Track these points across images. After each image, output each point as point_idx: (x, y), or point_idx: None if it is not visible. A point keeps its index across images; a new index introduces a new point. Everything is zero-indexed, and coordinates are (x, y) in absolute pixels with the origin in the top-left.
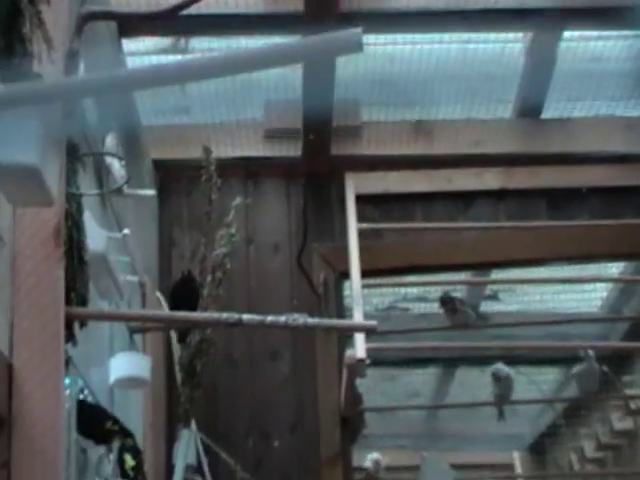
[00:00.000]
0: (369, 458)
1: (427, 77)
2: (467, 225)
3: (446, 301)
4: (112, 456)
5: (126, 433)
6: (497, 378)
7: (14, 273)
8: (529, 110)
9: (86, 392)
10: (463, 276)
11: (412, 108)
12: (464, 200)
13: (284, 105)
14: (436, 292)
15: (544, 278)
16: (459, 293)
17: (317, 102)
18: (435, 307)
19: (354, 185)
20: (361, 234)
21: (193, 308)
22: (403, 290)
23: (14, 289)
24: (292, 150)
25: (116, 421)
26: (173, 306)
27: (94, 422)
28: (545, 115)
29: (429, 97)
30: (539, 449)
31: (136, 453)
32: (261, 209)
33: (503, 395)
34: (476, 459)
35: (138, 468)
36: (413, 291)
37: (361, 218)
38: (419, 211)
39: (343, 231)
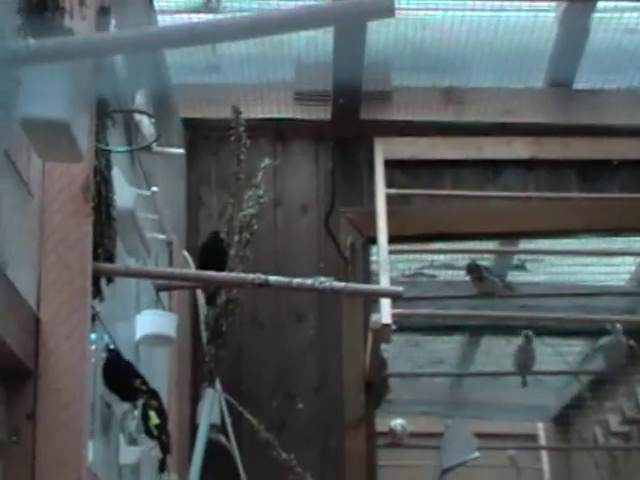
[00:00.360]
0: (394, 422)
1: (459, 44)
2: (496, 194)
3: (473, 269)
4: (136, 412)
5: (152, 394)
6: (528, 340)
7: (42, 227)
8: (561, 80)
9: (112, 347)
10: (491, 245)
11: (443, 75)
12: (493, 168)
13: (315, 68)
14: (463, 260)
15: (572, 250)
16: (486, 262)
17: (348, 66)
18: (462, 275)
19: (383, 150)
20: (389, 199)
21: (221, 268)
22: (430, 257)
23: (42, 243)
24: (322, 113)
25: (144, 381)
26: (201, 265)
27: (122, 378)
28: (577, 86)
29: (460, 64)
30: (563, 421)
31: (161, 408)
32: (289, 171)
33: (525, 365)
34: (500, 428)
35: (162, 427)
36: (440, 258)
37: (389, 183)
38: (448, 178)
39: (371, 196)
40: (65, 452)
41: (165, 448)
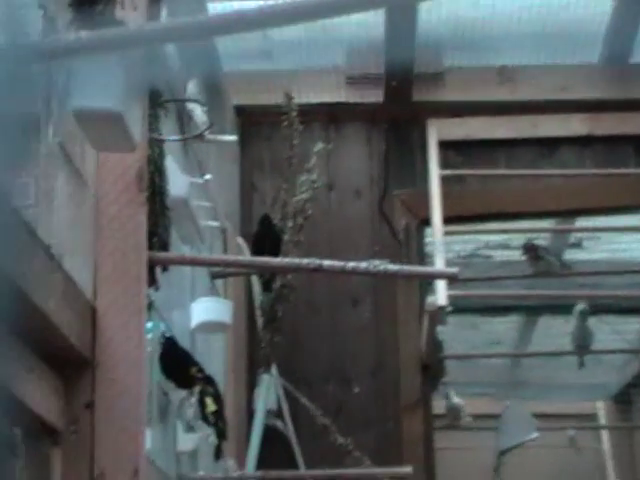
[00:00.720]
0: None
1: (511, 21)
2: (552, 172)
3: (529, 249)
4: (193, 400)
5: (208, 381)
6: (583, 316)
7: (97, 217)
8: (617, 55)
9: (168, 336)
10: (547, 223)
11: (496, 53)
12: (549, 146)
13: (366, 50)
14: (519, 239)
15: (629, 226)
16: (543, 241)
17: (399, 47)
18: (518, 255)
19: (436, 131)
20: (443, 180)
21: (275, 254)
22: (485, 237)
23: (97, 233)
24: (374, 95)
25: (201, 369)
26: (255, 252)
27: (179, 366)
28: (634, 60)
29: (513, 42)
30: (624, 399)
31: (218, 395)
32: (342, 155)
33: (583, 344)
34: (558, 409)
35: (218, 413)
36: (496, 238)
37: (443, 164)
38: (502, 157)
39: (425, 177)
40: (123, 440)
41: (221, 435)
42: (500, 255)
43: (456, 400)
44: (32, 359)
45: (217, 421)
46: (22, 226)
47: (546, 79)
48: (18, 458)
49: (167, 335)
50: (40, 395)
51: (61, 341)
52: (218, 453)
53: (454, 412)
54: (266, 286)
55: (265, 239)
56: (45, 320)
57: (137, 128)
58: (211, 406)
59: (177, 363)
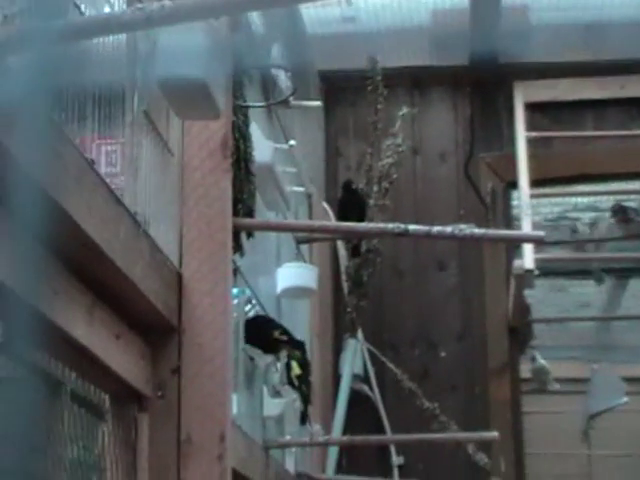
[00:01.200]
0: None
1: None
2: None
3: (618, 210)
4: (279, 365)
5: (295, 344)
6: None
7: (182, 185)
8: None
9: (254, 302)
10: (637, 185)
11: (582, 13)
12: (638, 107)
13: (451, 13)
14: (608, 201)
15: None
16: (632, 202)
17: (484, 9)
18: (607, 217)
19: (523, 93)
20: (530, 143)
21: (360, 219)
22: (573, 200)
23: (182, 201)
24: (459, 59)
25: (284, 331)
26: (340, 217)
27: (261, 331)
28: None
29: (600, 0)
30: None
31: (304, 359)
32: (427, 118)
33: None
34: None
35: (303, 377)
36: (583, 201)
37: (530, 126)
38: (590, 118)
39: (511, 140)
40: (209, 405)
41: (306, 399)
42: (589, 217)
43: (542, 362)
44: (119, 326)
45: (301, 385)
46: (109, 194)
47: (635, 39)
48: (106, 423)
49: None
50: (127, 361)
51: (148, 307)
52: (304, 418)
53: (540, 375)
54: (354, 251)
55: (349, 205)
56: (131, 287)
57: (221, 95)
58: (296, 369)
59: (257, 329)
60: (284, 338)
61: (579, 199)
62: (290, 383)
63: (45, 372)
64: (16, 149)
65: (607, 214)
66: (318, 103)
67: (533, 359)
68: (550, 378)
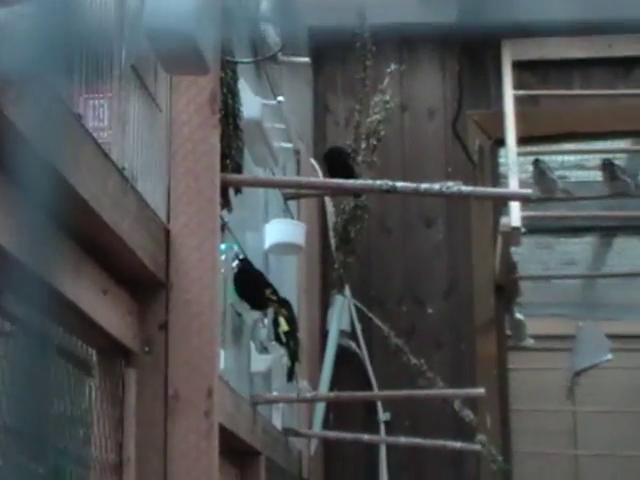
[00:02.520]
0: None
1: None
2: (628, 92)
3: (607, 166)
4: (267, 321)
5: (282, 303)
6: None
7: (170, 140)
8: None
9: (241, 257)
10: (623, 144)
11: None
12: (624, 66)
13: None
14: (594, 160)
15: None
16: (619, 161)
17: None
18: (593, 175)
19: (510, 51)
20: (517, 101)
21: (348, 176)
22: (560, 158)
23: (170, 156)
24: (447, 16)
25: (275, 291)
26: (328, 174)
27: (254, 287)
28: None
29: None
30: None
31: (292, 316)
32: (416, 76)
33: None
34: (634, 329)
35: (291, 333)
36: (570, 159)
37: (517, 85)
38: (577, 77)
39: (499, 98)
40: (197, 361)
41: (293, 356)
42: (575, 175)
43: (519, 317)
44: (106, 281)
45: (289, 342)
46: (96, 148)
47: None
48: (93, 378)
49: (241, 257)
50: (114, 317)
51: (135, 263)
52: (291, 374)
53: (517, 329)
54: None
55: (336, 163)
56: (119, 242)
57: (210, 51)
58: (283, 326)
59: (252, 284)
60: (274, 298)
61: (566, 157)
62: (278, 339)
63: (32, 327)
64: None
65: (594, 172)
66: (306, 59)
67: (511, 313)
68: (526, 333)
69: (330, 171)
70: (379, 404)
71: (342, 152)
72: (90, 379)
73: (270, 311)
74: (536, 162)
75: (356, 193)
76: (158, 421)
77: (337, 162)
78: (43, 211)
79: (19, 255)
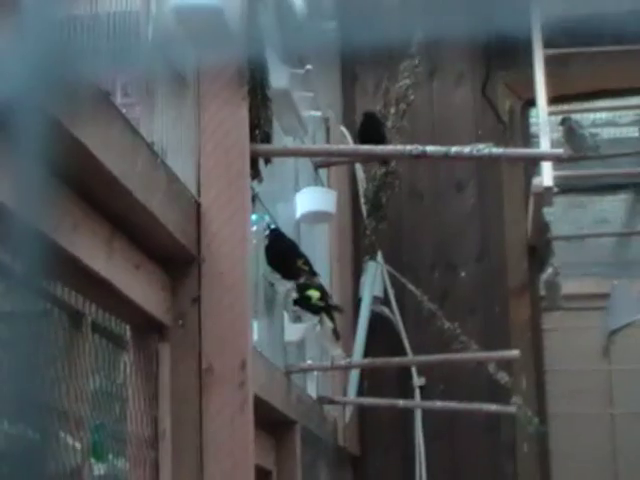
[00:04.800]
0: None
1: None
2: None
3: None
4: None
5: (313, 273)
6: None
7: (199, 114)
8: None
9: (273, 227)
10: None
11: None
12: None
13: None
14: (627, 116)
15: None
16: None
17: None
18: (625, 132)
19: (540, 10)
20: (547, 60)
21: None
22: (592, 115)
23: (199, 130)
24: None
25: (307, 261)
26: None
27: (285, 257)
28: None
29: None
30: None
31: (321, 290)
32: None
33: None
34: None
35: (324, 299)
36: (602, 116)
37: (547, 44)
38: (608, 34)
39: (529, 58)
40: (230, 333)
41: (333, 315)
42: (607, 133)
43: (553, 277)
44: (139, 257)
45: (327, 305)
46: (125, 125)
47: None
48: (128, 354)
49: (272, 227)
50: (147, 292)
51: (167, 238)
52: (337, 335)
53: (551, 291)
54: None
55: (370, 135)
56: (150, 218)
57: (236, 22)
58: (315, 295)
59: (283, 255)
60: (305, 268)
61: (597, 115)
62: (314, 311)
63: (66, 304)
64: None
65: (627, 129)
66: (334, 25)
67: (545, 274)
68: (560, 294)
69: (362, 136)
70: (413, 369)
71: (376, 118)
72: (124, 354)
73: (300, 282)
74: (565, 120)
75: (383, 160)
76: (192, 395)
77: (370, 128)
78: (73, 190)
79: (50, 233)
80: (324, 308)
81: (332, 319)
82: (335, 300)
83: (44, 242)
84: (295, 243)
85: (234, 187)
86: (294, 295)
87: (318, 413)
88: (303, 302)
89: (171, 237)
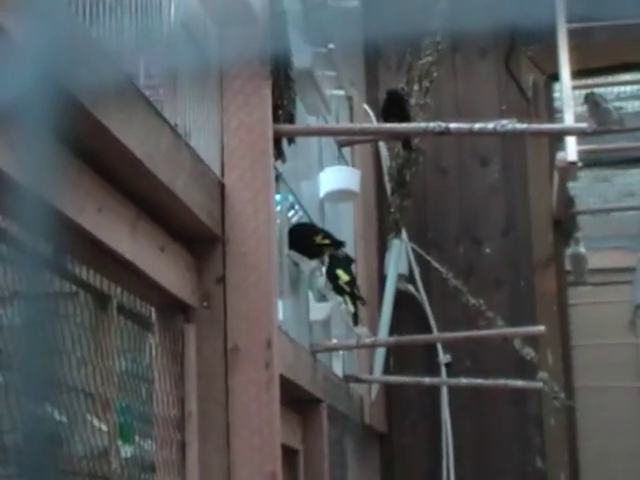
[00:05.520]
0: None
1: None
2: None
3: None
4: (324, 269)
5: (337, 244)
6: None
7: (222, 94)
8: None
9: (297, 207)
10: None
11: None
12: None
13: None
14: None
15: None
16: None
17: None
18: None
19: None
20: (571, 34)
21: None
22: (616, 89)
23: (223, 110)
24: None
25: (326, 235)
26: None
27: (304, 239)
28: None
29: None
30: None
31: (348, 263)
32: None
33: None
34: None
35: (352, 281)
36: (627, 90)
37: (570, 17)
38: (631, 6)
39: (552, 32)
40: (255, 313)
41: (360, 301)
42: (632, 106)
43: (579, 251)
44: (163, 238)
45: (352, 289)
46: (148, 107)
47: None
48: (154, 335)
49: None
50: (172, 273)
51: (191, 218)
52: (356, 319)
53: (577, 264)
54: (405, 145)
55: (393, 112)
56: (174, 199)
57: (259, 1)
58: (344, 277)
59: (300, 235)
60: (326, 242)
61: (622, 88)
62: (339, 291)
63: (92, 287)
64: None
65: None
66: (356, 3)
67: (570, 247)
68: (587, 268)
69: (385, 114)
70: (439, 346)
71: (399, 96)
72: (151, 336)
73: (326, 259)
74: (589, 95)
75: (404, 144)
76: (219, 375)
77: (394, 106)
78: (98, 174)
79: (73, 216)
80: (349, 294)
81: (354, 305)
82: (360, 279)
83: (68, 225)
84: (310, 223)
85: (258, 167)
86: (323, 270)
87: (344, 391)
88: (332, 278)
89: (195, 218)
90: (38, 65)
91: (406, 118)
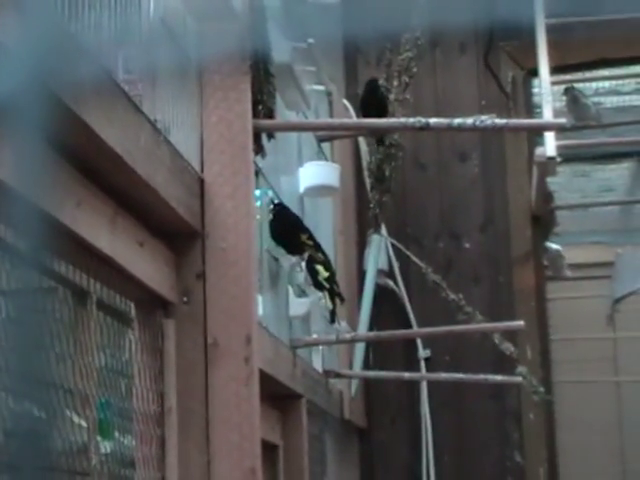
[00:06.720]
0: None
1: None
2: None
3: None
4: (304, 264)
5: (318, 248)
6: None
7: (201, 89)
8: None
9: (277, 202)
10: None
11: None
12: None
13: None
14: (629, 85)
15: None
16: None
17: None
18: (628, 100)
19: None
20: (549, 29)
21: (381, 115)
22: (595, 84)
23: (202, 105)
24: None
25: (311, 236)
26: (362, 115)
27: (289, 233)
28: None
29: None
30: None
31: (327, 266)
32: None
33: None
34: None
35: (331, 277)
36: (605, 85)
37: (549, 13)
38: (609, 2)
39: (531, 27)
40: (235, 308)
41: (338, 297)
42: (610, 101)
43: (556, 247)
44: (142, 233)
45: (332, 285)
46: (127, 102)
47: None
48: (133, 330)
49: (276, 202)
50: (152, 268)
51: (170, 214)
52: (333, 316)
53: (555, 260)
54: (379, 142)
55: (371, 102)
56: (154, 194)
57: None
58: (323, 272)
59: (287, 230)
60: (310, 243)
61: (600, 83)
62: (318, 287)
63: (70, 282)
64: None
65: (629, 97)
66: None
67: (546, 245)
68: (564, 263)
69: (363, 103)
70: (419, 341)
71: (378, 86)
72: (130, 331)
73: (305, 257)
74: (568, 88)
75: (378, 140)
76: (198, 370)
77: (371, 95)
78: (76, 168)
79: (53, 211)
80: (328, 290)
81: (332, 301)
82: (339, 274)
83: (47, 220)
84: (299, 218)
85: (237, 162)
86: (302, 264)
87: (324, 387)
88: (312, 273)
89: (175, 213)
90: (26, 63)
91: (383, 108)
